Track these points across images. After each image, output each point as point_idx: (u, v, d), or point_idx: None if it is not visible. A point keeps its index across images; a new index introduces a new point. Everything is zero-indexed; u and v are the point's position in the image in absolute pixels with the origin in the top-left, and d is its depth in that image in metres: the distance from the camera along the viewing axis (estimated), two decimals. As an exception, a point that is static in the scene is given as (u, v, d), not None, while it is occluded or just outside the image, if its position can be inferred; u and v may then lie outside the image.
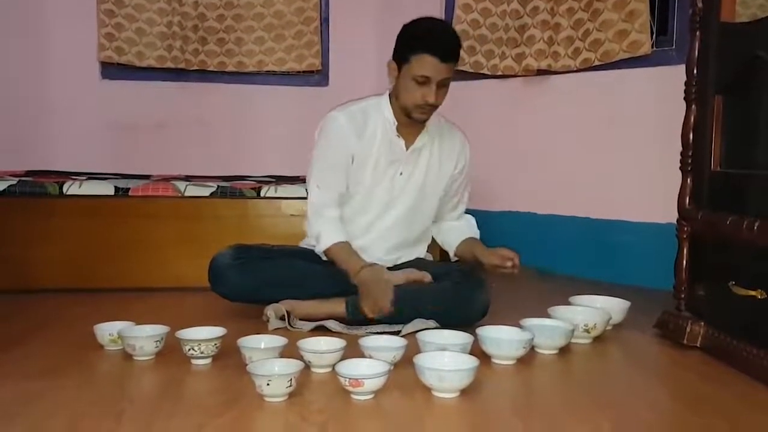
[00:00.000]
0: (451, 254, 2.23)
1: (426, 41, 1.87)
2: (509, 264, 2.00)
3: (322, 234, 2.02)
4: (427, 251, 2.27)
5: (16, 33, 3.37)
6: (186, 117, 3.60)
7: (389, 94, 2.04)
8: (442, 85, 1.92)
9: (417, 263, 2.14)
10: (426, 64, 1.87)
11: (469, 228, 2.23)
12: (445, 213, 2.23)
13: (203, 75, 3.59)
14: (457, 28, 3.25)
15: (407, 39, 1.92)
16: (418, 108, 1.94)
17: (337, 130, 1.99)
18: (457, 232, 2.22)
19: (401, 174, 2.06)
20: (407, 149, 2.04)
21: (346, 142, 1.99)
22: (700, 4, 1.86)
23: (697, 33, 1.88)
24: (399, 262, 2.16)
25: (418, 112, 1.96)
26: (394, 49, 1.96)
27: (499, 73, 3.16)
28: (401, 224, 2.11)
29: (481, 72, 3.25)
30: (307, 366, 1.55)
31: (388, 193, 2.08)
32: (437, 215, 2.21)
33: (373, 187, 2.06)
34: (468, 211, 2.29)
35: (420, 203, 2.11)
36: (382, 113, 2.02)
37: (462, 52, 3.20)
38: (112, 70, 3.51)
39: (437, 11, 3.41)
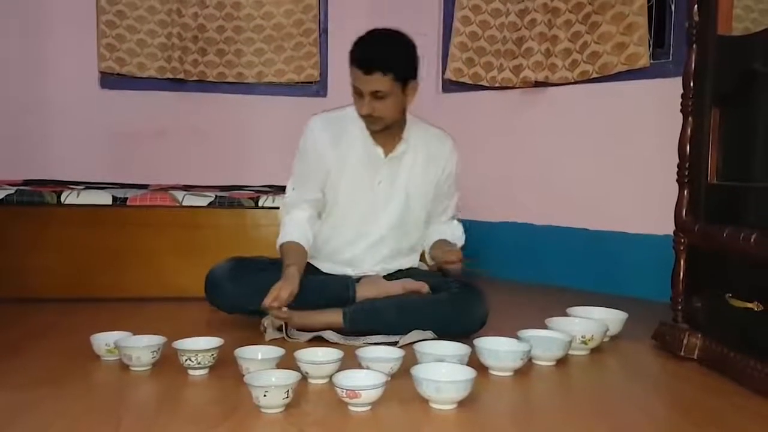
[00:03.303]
0: (427, 258, 2.20)
1: (352, 52, 1.89)
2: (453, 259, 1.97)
3: (282, 232, 2.06)
4: (420, 260, 2.25)
5: (16, 42, 3.38)
6: (184, 127, 3.60)
7: None
8: (379, 98, 1.88)
9: (413, 273, 2.13)
10: (353, 75, 1.89)
11: (452, 233, 2.16)
12: (434, 216, 2.19)
13: (202, 85, 3.59)
14: (456, 40, 3.28)
15: None
16: (362, 118, 1.96)
17: (311, 138, 2.04)
18: (438, 235, 2.14)
19: (380, 183, 2.06)
20: (386, 156, 2.04)
21: (320, 150, 2.02)
22: (696, 18, 1.88)
23: (694, 46, 1.90)
24: (392, 271, 2.15)
25: (366, 122, 1.97)
26: None
27: (497, 84, 3.17)
28: (391, 235, 2.10)
29: (480, 83, 3.26)
30: (304, 377, 1.55)
31: (371, 204, 2.07)
32: (427, 219, 2.18)
33: (351, 196, 2.05)
34: (465, 222, 2.29)
35: (407, 212, 2.10)
36: (358, 121, 2.01)
37: (461, 64, 3.30)
38: (111, 79, 3.51)
39: (435, 24, 3.43)
